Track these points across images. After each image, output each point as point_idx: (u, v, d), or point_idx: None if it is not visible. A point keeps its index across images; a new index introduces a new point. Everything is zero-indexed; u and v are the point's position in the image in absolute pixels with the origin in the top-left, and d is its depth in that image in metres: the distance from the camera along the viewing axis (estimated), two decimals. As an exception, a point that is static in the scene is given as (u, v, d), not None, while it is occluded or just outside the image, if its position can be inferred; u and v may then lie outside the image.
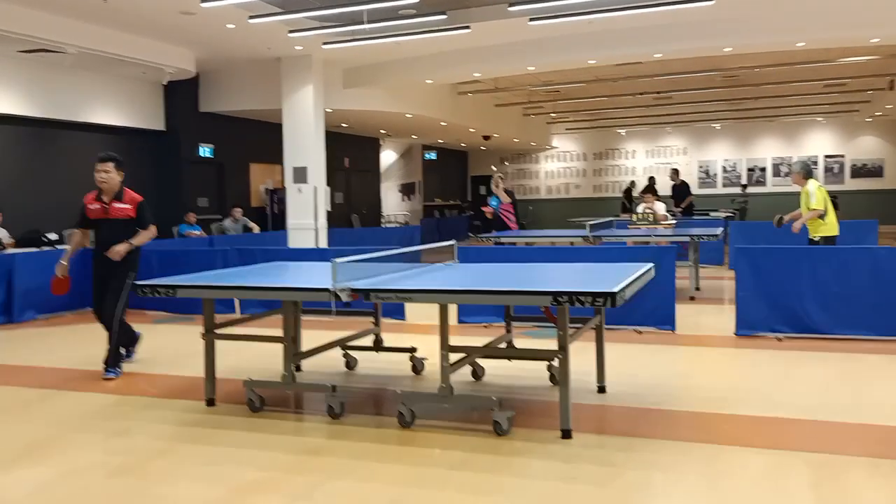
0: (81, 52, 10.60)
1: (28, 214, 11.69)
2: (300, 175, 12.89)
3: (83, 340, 7.48)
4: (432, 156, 24.39)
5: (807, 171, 7.92)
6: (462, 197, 27.03)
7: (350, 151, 19.48)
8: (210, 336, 4.86)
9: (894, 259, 6.31)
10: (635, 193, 19.91)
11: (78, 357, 6.58)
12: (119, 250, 5.54)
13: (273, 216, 16.39)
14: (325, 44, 11.30)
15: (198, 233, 13.10)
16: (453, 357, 4.29)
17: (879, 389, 4.92)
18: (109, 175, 5.73)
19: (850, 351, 5.96)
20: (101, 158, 5.77)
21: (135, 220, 5.76)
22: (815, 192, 7.72)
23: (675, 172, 16.35)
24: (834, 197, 8.69)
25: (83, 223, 5.89)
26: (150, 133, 14.02)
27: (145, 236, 5.80)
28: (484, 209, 12.46)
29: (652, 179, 18.80)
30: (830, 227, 7.76)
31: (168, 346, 6.93)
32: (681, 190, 15.72)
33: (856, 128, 22.83)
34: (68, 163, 12.67)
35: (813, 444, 3.86)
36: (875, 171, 22.84)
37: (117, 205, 5.75)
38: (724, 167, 24.14)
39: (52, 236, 11.38)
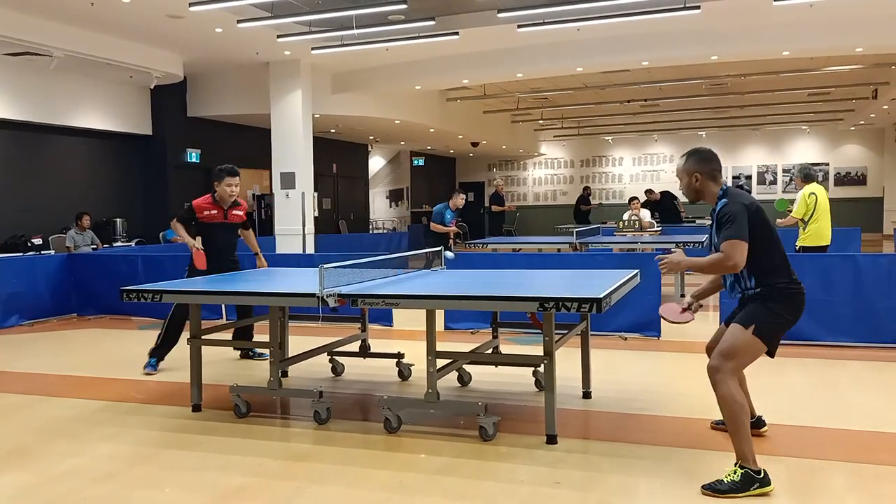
0: (67, 55, 10.55)
1: (12, 219, 11.62)
2: (288, 181, 12.88)
3: (68, 346, 7.43)
4: (420, 162, 24.42)
5: (805, 175, 7.99)
6: (450, 203, 27.03)
7: (338, 157, 19.48)
8: (196, 342, 4.85)
9: (877, 266, 6.39)
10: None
11: (62, 362, 6.54)
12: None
13: (260, 222, 16.35)
14: (313, 49, 11.31)
15: (184, 238, 13.04)
16: (440, 363, 4.30)
17: (860, 396, 4.98)
18: (239, 188, 6.26)
19: (832, 357, 6.02)
20: (235, 172, 6.22)
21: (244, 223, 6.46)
22: (799, 199, 7.83)
23: (649, 192, 16.09)
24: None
25: (186, 223, 6.23)
26: (136, 137, 13.97)
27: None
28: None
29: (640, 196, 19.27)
30: (812, 237, 7.83)
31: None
32: (665, 203, 15.55)
33: (840, 136, 23.08)
34: (54, 167, 12.61)
35: (794, 450, 3.90)
36: (858, 180, 23.09)
37: (234, 212, 6.29)
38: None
39: (37, 241, 11.32)
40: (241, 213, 6.33)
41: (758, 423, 4.02)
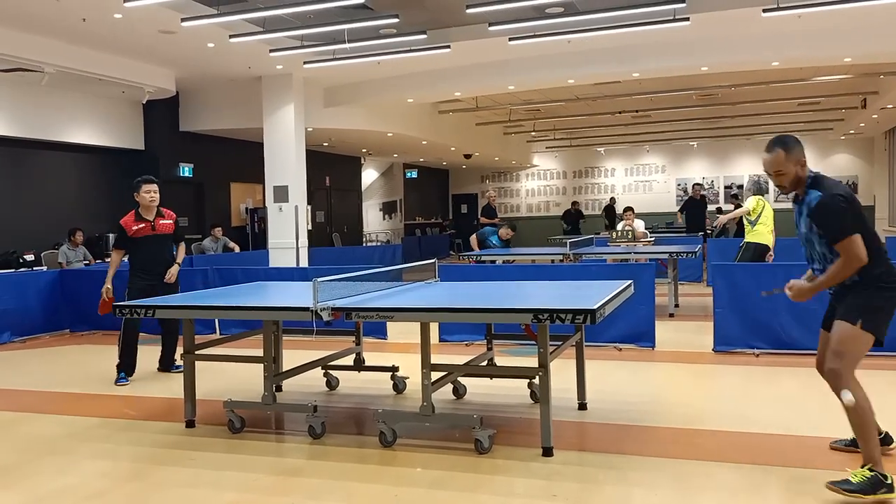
0: (59, 70, 10.53)
1: (4, 236, 11.56)
2: (281, 194, 12.87)
3: (60, 362, 7.38)
4: (413, 174, 24.46)
5: (756, 189, 8.80)
6: (443, 215, 27.10)
7: (331, 170, 19.48)
8: (190, 357, 4.83)
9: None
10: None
11: (54, 379, 6.50)
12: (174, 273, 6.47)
13: (254, 235, 16.33)
14: (305, 63, 11.33)
15: (177, 252, 13.00)
16: (435, 375, 4.29)
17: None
18: (158, 195, 6.38)
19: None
20: (151, 180, 6.38)
21: (173, 234, 6.60)
22: (751, 200, 8.87)
23: (698, 187, 16.17)
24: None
25: (124, 244, 6.38)
26: (129, 153, 13.94)
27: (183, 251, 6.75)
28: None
29: (613, 200, 22.16)
30: (757, 235, 8.73)
31: (147, 367, 6.85)
32: (700, 204, 15.50)
33: (830, 146, 23.23)
34: (46, 183, 12.57)
35: (787, 459, 3.90)
36: (850, 188, 23.19)
37: (162, 221, 6.46)
38: (702, 185, 24.47)
39: (29, 257, 11.26)
40: (169, 221, 6.52)
41: (885, 440, 3.82)
